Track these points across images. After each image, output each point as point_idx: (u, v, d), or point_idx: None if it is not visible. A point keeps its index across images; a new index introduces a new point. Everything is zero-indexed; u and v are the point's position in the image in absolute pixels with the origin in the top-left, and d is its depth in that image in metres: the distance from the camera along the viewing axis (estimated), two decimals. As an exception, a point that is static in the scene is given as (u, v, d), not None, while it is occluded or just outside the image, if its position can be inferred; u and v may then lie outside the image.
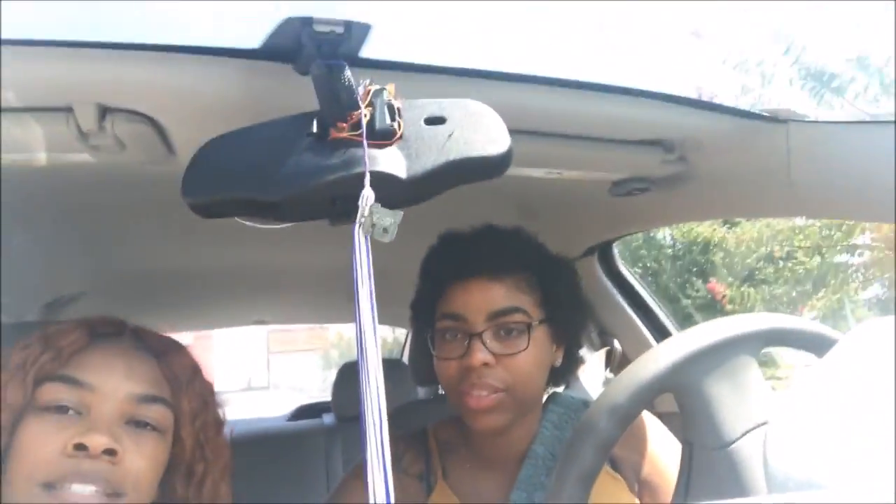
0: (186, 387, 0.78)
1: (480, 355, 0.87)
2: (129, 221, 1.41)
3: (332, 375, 2.36)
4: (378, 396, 0.57)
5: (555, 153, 0.96)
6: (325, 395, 2.46)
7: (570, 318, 0.98)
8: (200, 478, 0.78)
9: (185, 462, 0.77)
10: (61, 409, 0.70)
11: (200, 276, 1.99)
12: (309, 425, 2.41)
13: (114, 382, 0.72)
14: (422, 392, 2.53)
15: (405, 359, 2.90)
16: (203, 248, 1.68)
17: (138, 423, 0.73)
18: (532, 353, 0.90)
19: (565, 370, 1.00)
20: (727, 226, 7.57)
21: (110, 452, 0.67)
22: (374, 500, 0.54)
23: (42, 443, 0.67)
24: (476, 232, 0.98)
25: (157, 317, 2.35)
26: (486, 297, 0.90)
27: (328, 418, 2.43)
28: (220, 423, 0.82)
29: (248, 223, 0.71)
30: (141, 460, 0.71)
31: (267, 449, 2.02)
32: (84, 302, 1.95)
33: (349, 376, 2.31)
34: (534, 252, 0.98)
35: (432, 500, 0.94)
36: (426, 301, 0.97)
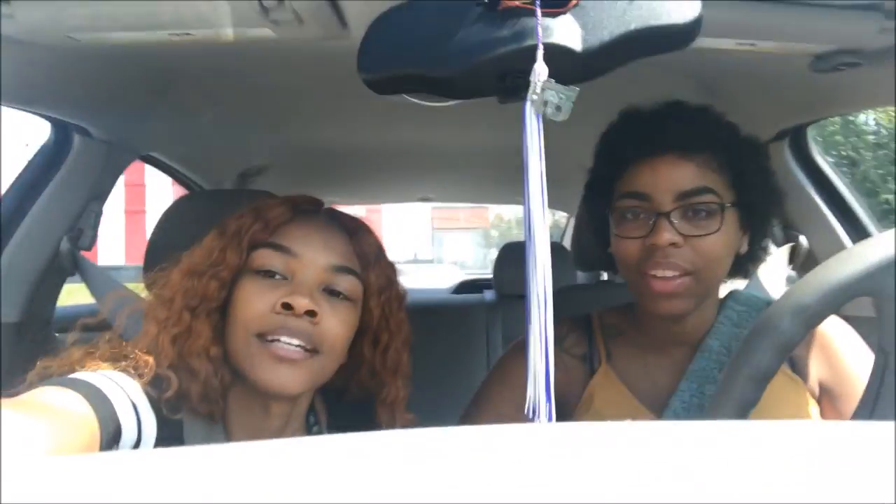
0: (374, 263, 0.84)
1: (668, 235, 0.84)
2: (308, 99, 1.48)
3: (491, 253, 2.42)
4: (544, 275, 0.58)
5: (750, 21, 0.85)
6: (485, 272, 2.53)
7: (761, 202, 0.91)
8: (385, 345, 0.86)
9: (373, 330, 0.85)
10: (270, 274, 0.79)
11: (373, 153, 2.08)
12: (471, 299, 2.51)
13: (313, 252, 0.79)
14: (581, 278, 2.53)
15: (566, 243, 2.90)
16: (376, 126, 1.74)
17: (333, 292, 0.80)
18: (722, 236, 0.85)
19: (750, 258, 0.95)
20: (950, 109, 6.50)
21: (311, 314, 0.75)
22: (535, 374, 0.56)
23: (256, 300, 0.77)
24: (662, 108, 0.92)
25: (332, 190, 2.52)
26: (675, 175, 0.86)
27: (489, 294, 2.51)
28: (402, 298, 0.88)
29: (418, 101, 0.71)
30: (336, 324, 0.78)
31: (432, 319, 2.12)
32: (269, 175, 2.13)
33: (511, 255, 2.36)
34: (725, 131, 0.90)
35: (595, 382, 0.95)
36: (605, 180, 0.94)
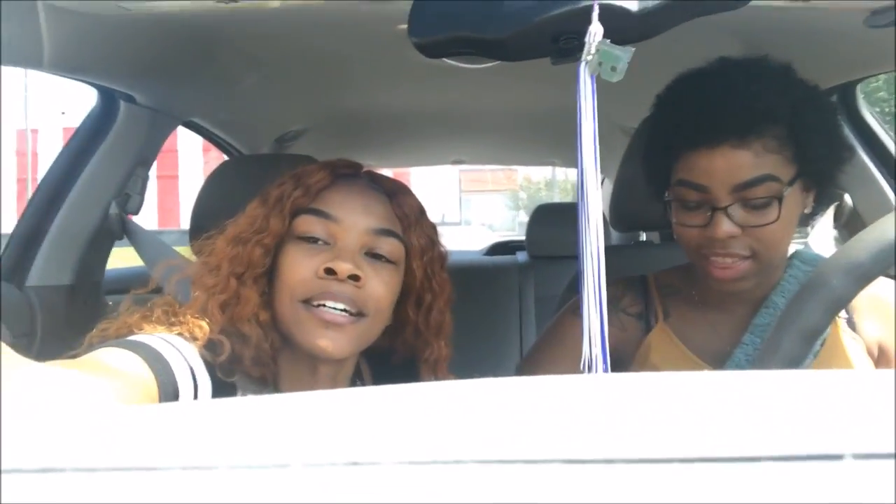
0: (415, 224, 0.84)
1: (726, 227, 0.81)
2: (345, 64, 1.48)
3: (520, 215, 2.42)
4: (597, 237, 0.58)
5: None
6: (514, 234, 2.54)
7: (827, 164, 0.86)
8: (428, 306, 0.87)
9: (416, 291, 0.86)
10: (312, 240, 0.80)
11: (408, 116, 2.08)
12: (504, 261, 2.52)
13: (354, 217, 0.80)
14: (616, 239, 2.51)
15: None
16: (412, 90, 1.73)
17: (375, 255, 0.80)
18: (782, 221, 0.82)
19: (816, 213, 0.92)
20: None
21: (355, 278, 0.76)
22: (590, 330, 0.57)
23: (299, 266, 0.78)
24: (716, 77, 0.85)
25: (367, 154, 2.52)
26: (732, 167, 0.81)
27: (521, 255, 2.52)
28: (444, 259, 0.89)
29: (459, 64, 0.71)
30: (379, 286, 0.79)
31: (465, 280, 2.14)
32: (304, 140, 2.14)
33: (543, 217, 2.35)
34: (786, 92, 0.83)
35: (651, 337, 0.95)
36: (659, 161, 0.90)
